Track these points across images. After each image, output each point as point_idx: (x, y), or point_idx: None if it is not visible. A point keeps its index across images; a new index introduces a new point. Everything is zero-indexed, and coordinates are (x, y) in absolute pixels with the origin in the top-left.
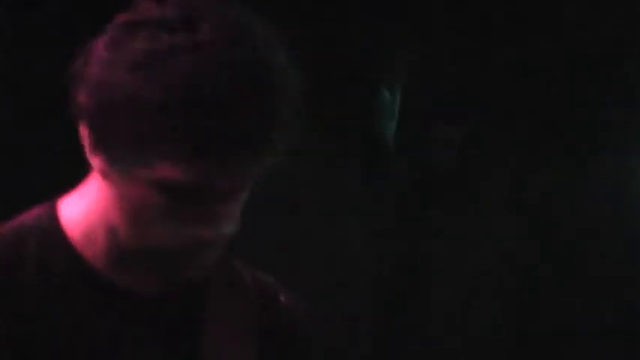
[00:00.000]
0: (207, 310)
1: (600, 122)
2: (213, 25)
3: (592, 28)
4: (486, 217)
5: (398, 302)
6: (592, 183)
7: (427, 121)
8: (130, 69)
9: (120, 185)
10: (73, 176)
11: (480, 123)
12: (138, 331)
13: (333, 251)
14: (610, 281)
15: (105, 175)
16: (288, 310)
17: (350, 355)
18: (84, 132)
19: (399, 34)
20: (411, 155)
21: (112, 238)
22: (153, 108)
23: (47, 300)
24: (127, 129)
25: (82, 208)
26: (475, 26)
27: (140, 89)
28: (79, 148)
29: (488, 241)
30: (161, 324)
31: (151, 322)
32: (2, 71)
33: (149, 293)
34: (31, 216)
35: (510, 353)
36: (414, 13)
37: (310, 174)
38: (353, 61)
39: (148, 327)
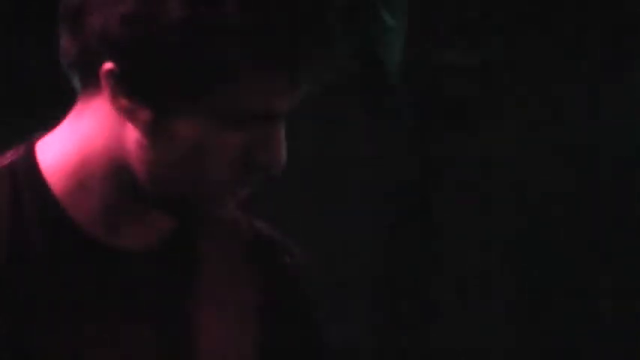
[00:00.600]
0: (200, 266)
1: None
2: None
3: None
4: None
5: (398, 302)
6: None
7: (434, 48)
8: None
9: (169, 128)
10: None
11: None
12: (123, 288)
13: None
14: (611, 281)
15: (141, 120)
16: (291, 268)
17: (350, 354)
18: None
19: None
20: (417, 85)
21: (109, 185)
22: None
23: (22, 252)
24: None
25: (68, 150)
26: None
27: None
28: None
29: (488, 241)
30: (149, 281)
31: (138, 280)
32: None
33: (137, 248)
34: (3, 160)
35: (510, 353)
36: None
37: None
38: None
39: (136, 284)
